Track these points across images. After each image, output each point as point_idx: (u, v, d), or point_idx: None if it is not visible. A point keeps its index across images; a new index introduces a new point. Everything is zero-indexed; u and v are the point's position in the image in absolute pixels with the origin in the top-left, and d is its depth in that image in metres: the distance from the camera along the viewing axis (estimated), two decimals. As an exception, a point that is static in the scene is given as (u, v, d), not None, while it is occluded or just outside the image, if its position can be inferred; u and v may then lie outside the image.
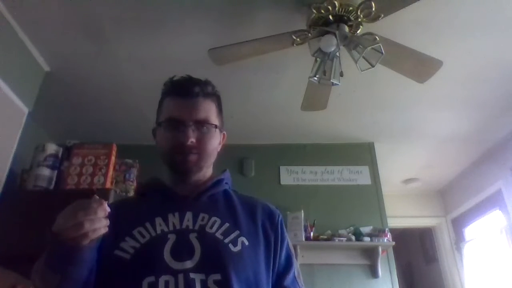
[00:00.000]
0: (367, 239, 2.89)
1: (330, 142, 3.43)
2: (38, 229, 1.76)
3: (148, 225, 0.84)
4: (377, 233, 2.93)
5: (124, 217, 0.89)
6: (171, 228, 0.84)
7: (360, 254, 2.97)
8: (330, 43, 1.78)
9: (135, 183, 2.34)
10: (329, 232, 2.95)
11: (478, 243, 3.86)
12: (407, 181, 4.24)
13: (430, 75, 2.04)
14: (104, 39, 2.18)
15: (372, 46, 1.74)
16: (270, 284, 0.86)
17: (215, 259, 0.80)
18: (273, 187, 3.25)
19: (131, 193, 2.28)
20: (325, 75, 1.90)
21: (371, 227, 3.02)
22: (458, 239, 4.22)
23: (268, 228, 0.91)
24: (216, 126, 0.94)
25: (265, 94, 2.75)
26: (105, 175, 1.94)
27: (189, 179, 0.93)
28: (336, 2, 1.76)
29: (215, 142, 0.95)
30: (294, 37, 1.90)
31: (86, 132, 3.02)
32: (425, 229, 4.71)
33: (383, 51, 1.75)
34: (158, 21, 2.07)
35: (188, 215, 0.86)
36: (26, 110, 2.20)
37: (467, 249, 4.05)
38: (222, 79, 2.59)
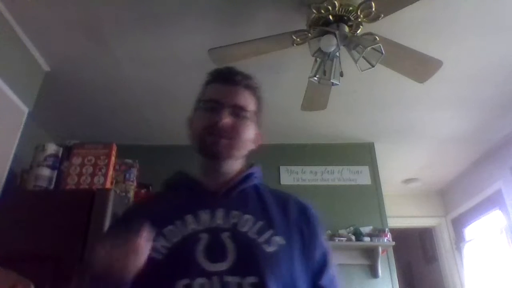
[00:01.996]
0: (367, 239, 2.89)
1: (330, 142, 3.43)
2: (38, 229, 1.77)
3: (178, 223, 0.81)
4: (377, 233, 2.93)
5: (153, 214, 0.85)
6: (202, 226, 0.81)
7: (360, 254, 2.97)
8: (330, 43, 1.78)
9: (135, 183, 2.34)
10: (329, 232, 2.95)
11: (478, 243, 3.86)
12: (407, 181, 4.24)
13: (430, 75, 2.04)
14: (104, 39, 2.18)
15: (372, 46, 1.74)
16: (308, 285, 0.81)
17: (250, 260, 0.76)
18: (273, 187, 3.24)
19: (131, 193, 2.28)
20: (325, 75, 1.90)
21: (371, 227, 3.02)
22: (458, 239, 4.22)
23: (301, 224, 0.86)
24: (254, 114, 0.93)
25: (265, 94, 2.74)
26: (105, 175, 1.94)
27: (220, 167, 0.89)
28: (336, 2, 1.76)
29: (249, 133, 0.92)
30: (294, 37, 1.90)
31: (86, 132, 3.02)
32: (425, 229, 4.71)
33: (383, 51, 1.75)
34: (158, 21, 2.07)
35: (219, 213, 0.83)
36: (26, 110, 2.20)
37: (467, 249, 4.06)
38: (222, 79, 2.60)
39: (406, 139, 3.39)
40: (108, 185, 1.93)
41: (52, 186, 1.94)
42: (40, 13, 2.00)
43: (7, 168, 2.00)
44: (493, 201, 3.56)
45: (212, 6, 1.98)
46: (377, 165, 3.35)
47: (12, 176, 2.01)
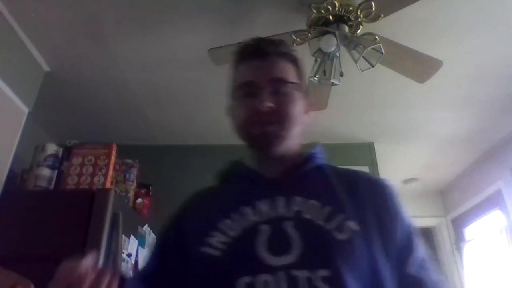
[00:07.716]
0: (367, 239, 2.88)
1: (330, 142, 3.42)
2: (38, 229, 1.77)
3: (235, 216, 0.73)
4: (377, 233, 2.93)
5: (207, 209, 0.80)
6: (262, 217, 0.72)
7: (360, 254, 2.96)
8: (330, 43, 1.78)
9: (135, 183, 2.34)
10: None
11: (478, 243, 3.86)
12: (407, 181, 4.23)
13: (430, 75, 2.04)
14: (104, 39, 2.18)
15: (372, 46, 1.74)
16: (394, 276, 0.68)
17: (319, 251, 0.67)
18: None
19: (131, 193, 2.27)
20: (325, 75, 1.90)
21: (371, 227, 3.02)
22: (458, 239, 4.22)
23: (376, 204, 0.75)
24: (296, 84, 0.80)
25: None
26: (105, 175, 1.94)
27: (273, 155, 0.80)
28: (336, 2, 1.76)
29: (298, 108, 0.81)
30: (294, 37, 1.90)
31: (86, 132, 3.02)
32: (425, 229, 4.70)
33: (383, 51, 1.75)
34: (158, 21, 2.07)
35: (280, 201, 0.74)
36: (26, 110, 2.20)
37: (467, 249, 4.05)
38: (222, 79, 2.59)
39: (406, 139, 3.39)
40: (108, 185, 1.94)
41: (52, 186, 1.94)
42: (40, 13, 1.99)
43: (7, 168, 2.00)
44: (493, 201, 3.56)
45: (212, 6, 1.98)
46: (377, 165, 3.34)
47: (12, 176, 2.01)
